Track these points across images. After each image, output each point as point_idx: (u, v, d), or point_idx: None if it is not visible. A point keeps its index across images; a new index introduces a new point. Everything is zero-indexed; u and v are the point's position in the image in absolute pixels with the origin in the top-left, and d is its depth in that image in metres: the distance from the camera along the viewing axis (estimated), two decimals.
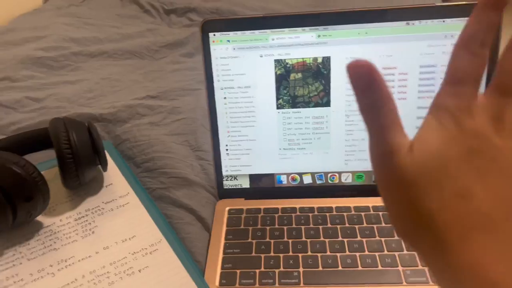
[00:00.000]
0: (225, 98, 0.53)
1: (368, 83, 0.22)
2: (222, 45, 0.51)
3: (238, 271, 0.47)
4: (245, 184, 0.57)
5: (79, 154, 0.50)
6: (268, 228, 0.52)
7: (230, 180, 0.56)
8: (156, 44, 0.90)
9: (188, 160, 0.60)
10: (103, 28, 0.97)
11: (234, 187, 0.57)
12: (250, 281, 0.46)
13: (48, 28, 0.95)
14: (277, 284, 0.45)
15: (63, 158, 0.50)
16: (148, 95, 0.73)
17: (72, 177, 0.51)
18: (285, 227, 0.52)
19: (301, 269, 0.47)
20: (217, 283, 0.46)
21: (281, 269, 0.47)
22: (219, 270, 0.47)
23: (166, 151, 0.61)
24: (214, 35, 0.51)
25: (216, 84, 0.53)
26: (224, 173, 0.56)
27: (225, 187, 0.57)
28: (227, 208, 0.55)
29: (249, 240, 0.51)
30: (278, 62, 0.51)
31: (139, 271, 0.46)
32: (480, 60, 0.22)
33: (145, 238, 0.49)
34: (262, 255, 0.49)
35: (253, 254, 0.49)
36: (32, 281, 0.44)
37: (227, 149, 0.55)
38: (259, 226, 0.52)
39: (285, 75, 0.51)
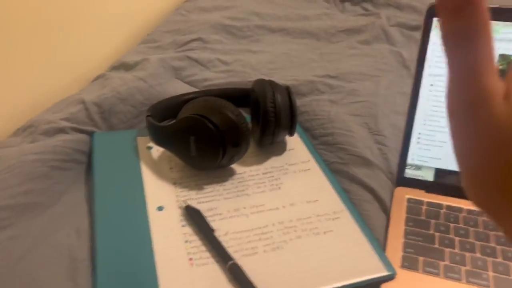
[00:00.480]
0: (431, 85, 0.52)
1: None
2: None
3: (420, 258, 0.46)
4: (429, 176, 0.55)
5: (280, 115, 0.54)
6: (452, 225, 0.50)
7: (413, 169, 0.55)
8: (333, 28, 0.92)
9: (367, 142, 0.61)
10: (282, 7, 1.02)
11: (416, 177, 0.56)
12: (435, 271, 0.45)
13: (235, 0, 1.02)
14: (464, 281, 0.44)
15: (267, 116, 0.53)
16: (327, 74, 0.75)
17: (268, 135, 0.55)
18: (470, 228, 0.49)
19: (490, 273, 0.44)
20: (398, 264, 0.46)
21: (468, 267, 0.45)
22: (400, 253, 0.47)
23: (346, 129, 0.62)
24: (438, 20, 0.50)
25: (426, 70, 0.52)
26: (408, 161, 0.55)
27: (406, 176, 0.56)
28: (406, 196, 0.54)
29: (431, 232, 0.49)
30: (502, 57, 0.48)
31: (324, 233, 0.48)
32: None
33: (328, 205, 0.51)
34: (446, 249, 0.47)
35: (436, 246, 0.48)
36: (229, 217, 0.49)
37: (419, 138, 0.54)
38: (441, 221, 0.51)
39: (506, 71, 0.49)
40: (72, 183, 0.54)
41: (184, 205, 0.49)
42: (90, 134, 0.60)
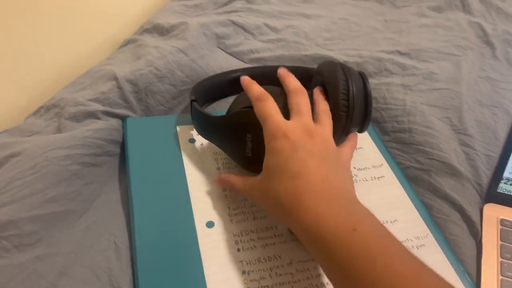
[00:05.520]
0: None
1: None
2: None
3: None
4: None
5: (354, 110, 0.44)
6: None
7: (510, 184, 0.46)
8: None
9: (452, 143, 0.51)
10: None
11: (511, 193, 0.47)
12: None
13: None
14: None
15: (338, 110, 0.43)
16: (396, 50, 0.64)
17: (336, 133, 0.45)
18: None
19: None
20: None
21: None
22: None
23: (426, 125, 0.52)
24: None
25: None
26: (506, 174, 0.46)
27: (499, 190, 0.47)
28: (499, 217, 0.46)
29: None
30: None
31: None
32: None
33: (409, 227, 0.43)
34: None
35: None
36: (292, 240, 0.41)
37: None
38: None
39: None
40: (105, 182, 0.46)
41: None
42: (123, 118, 0.52)
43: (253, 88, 0.41)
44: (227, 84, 0.56)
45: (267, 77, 0.52)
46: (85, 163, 0.45)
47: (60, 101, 0.53)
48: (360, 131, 0.48)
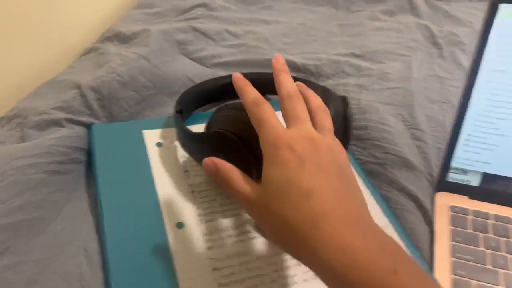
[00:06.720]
0: (490, 82, 0.45)
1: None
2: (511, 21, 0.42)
3: (473, 281, 0.42)
4: (474, 182, 0.50)
5: None
6: (503, 239, 0.45)
7: (458, 173, 0.50)
8: None
9: (405, 138, 0.55)
10: None
11: (460, 182, 0.50)
12: None
13: None
14: None
15: None
16: (352, 52, 0.67)
17: None
18: None
19: None
20: None
21: None
22: (450, 276, 0.43)
23: (381, 122, 0.55)
24: (506, 7, 0.42)
25: (484, 64, 0.45)
26: (453, 164, 0.50)
27: (448, 180, 0.51)
28: (449, 204, 0.49)
29: (481, 248, 0.45)
30: None
31: None
32: None
33: None
34: (501, 271, 0.43)
35: (489, 266, 0.43)
36: (261, 237, 0.43)
37: (467, 139, 0.48)
38: (491, 235, 0.46)
39: None
40: (73, 190, 0.47)
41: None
42: (88, 126, 0.52)
43: (248, 90, 0.36)
44: (221, 89, 0.56)
45: (261, 83, 0.53)
46: (50, 171, 0.45)
47: (22, 111, 0.53)
48: None
